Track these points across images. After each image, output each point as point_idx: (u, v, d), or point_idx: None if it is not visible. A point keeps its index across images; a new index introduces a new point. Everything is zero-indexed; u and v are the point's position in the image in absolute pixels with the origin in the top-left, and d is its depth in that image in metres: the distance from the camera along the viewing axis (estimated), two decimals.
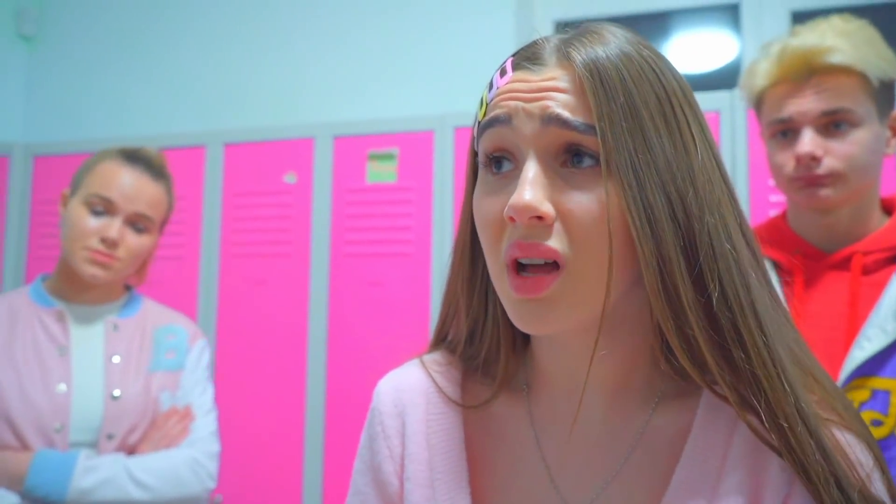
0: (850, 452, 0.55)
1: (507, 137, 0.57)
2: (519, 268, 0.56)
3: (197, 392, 1.41)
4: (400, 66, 2.30)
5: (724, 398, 0.56)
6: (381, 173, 1.94)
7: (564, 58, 0.56)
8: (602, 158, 0.53)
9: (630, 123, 0.54)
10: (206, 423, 1.38)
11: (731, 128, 1.65)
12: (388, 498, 0.66)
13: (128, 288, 1.47)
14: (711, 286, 0.53)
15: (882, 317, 1.05)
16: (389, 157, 1.93)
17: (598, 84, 0.54)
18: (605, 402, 0.62)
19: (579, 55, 0.56)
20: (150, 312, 1.45)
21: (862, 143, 1.10)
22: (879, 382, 1.06)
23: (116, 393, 1.32)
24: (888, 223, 1.14)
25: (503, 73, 0.59)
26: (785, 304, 0.62)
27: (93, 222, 1.33)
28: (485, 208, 0.58)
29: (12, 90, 2.75)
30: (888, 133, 1.14)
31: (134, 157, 1.39)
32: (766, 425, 0.54)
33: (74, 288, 1.38)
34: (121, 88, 2.62)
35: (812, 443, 0.54)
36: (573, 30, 0.60)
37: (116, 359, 1.35)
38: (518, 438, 0.65)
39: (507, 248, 0.55)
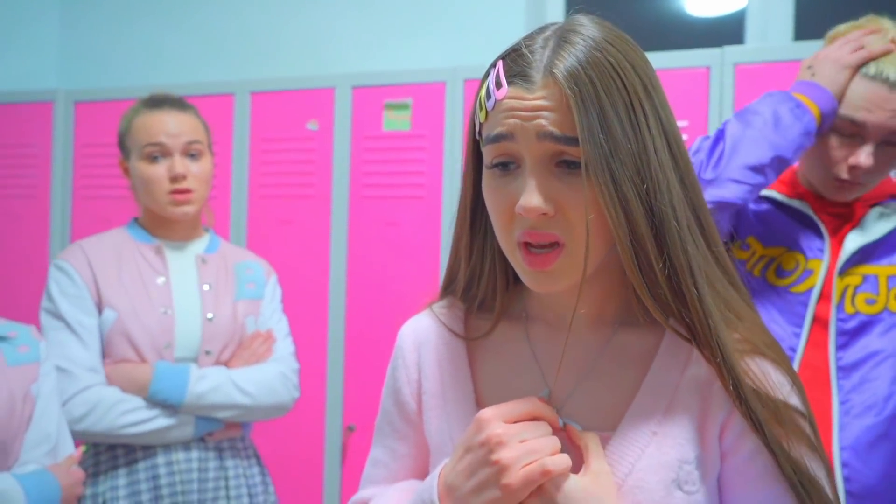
0: (768, 376, 0.72)
1: (511, 148, 0.70)
2: (528, 246, 0.71)
3: (275, 319, 1.61)
4: (415, 21, 2.40)
5: (678, 333, 0.72)
6: (397, 122, 2.08)
7: (549, 76, 0.68)
8: (583, 165, 0.67)
9: (605, 133, 0.66)
10: (286, 345, 1.59)
11: (720, 85, 1.77)
12: (406, 414, 0.86)
13: (206, 230, 1.65)
14: (663, 257, 0.69)
15: (870, 219, 1.27)
16: (404, 106, 2.07)
17: (580, 100, 0.66)
18: (588, 325, 0.79)
19: (560, 73, 0.67)
20: (228, 250, 1.65)
21: None
22: (869, 269, 1.26)
23: (210, 315, 1.52)
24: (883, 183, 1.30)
25: (499, 85, 0.71)
26: (732, 265, 0.78)
27: (158, 169, 1.50)
28: (497, 200, 0.72)
29: (47, 38, 2.88)
30: None
31: (155, 101, 1.55)
32: (701, 351, 0.71)
33: (165, 228, 1.56)
34: (152, 38, 2.75)
35: (729, 366, 0.70)
36: (556, 31, 0.71)
37: (206, 287, 1.54)
38: (517, 354, 0.81)
39: (519, 233, 0.70)
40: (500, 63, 0.72)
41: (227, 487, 1.51)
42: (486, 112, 0.72)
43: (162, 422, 1.43)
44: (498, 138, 0.70)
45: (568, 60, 0.68)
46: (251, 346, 1.55)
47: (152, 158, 1.51)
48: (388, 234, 2.07)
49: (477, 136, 0.76)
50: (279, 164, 2.20)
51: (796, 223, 1.32)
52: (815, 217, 1.30)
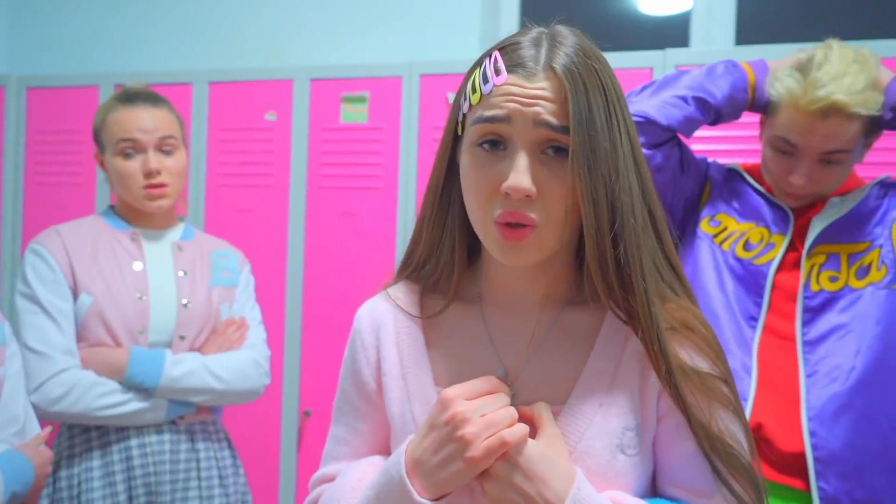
0: (692, 356, 0.80)
1: (504, 130, 0.76)
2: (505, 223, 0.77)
3: (248, 307, 1.65)
4: (373, 15, 2.44)
5: (619, 317, 0.80)
6: (354, 114, 2.13)
7: (549, 69, 0.75)
8: (570, 156, 0.74)
9: (590, 129, 0.74)
10: (258, 332, 1.64)
11: None
12: (366, 394, 0.90)
13: (181, 219, 1.68)
14: (618, 249, 0.76)
15: (830, 205, 1.39)
16: (361, 99, 2.12)
17: (574, 95, 0.74)
18: (539, 305, 0.85)
19: (560, 68, 0.75)
20: (203, 239, 1.68)
21: (845, 170, 1.36)
22: (831, 248, 1.38)
23: (185, 301, 1.54)
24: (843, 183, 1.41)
25: (498, 71, 0.77)
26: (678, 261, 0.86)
27: (132, 165, 1.53)
28: (481, 177, 0.78)
29: None
30: (864, 151, 1.38)
31: (129, 96, 1.57)
32: (639, 335, 0.79)
33: (140, 217, 1.59)
34: (108, 24, 2.72)
35: (663, 351, 0.78)
36: (544, 34, 0.79)
37: (182, 273, 1.57)
38: (471, 333, 0.87)
39: (500, 213, 0.76)
40: (496, 53, 0.78)
41: (198, 469, 1.54)
42: (481, 96, 0.78)
43: (136, 405, 1.46)
44: (493, 119, 0.76)
45: (565, 59, 0.75)
46: (225, 333, 1.58)
47: (126, 154, 1.53)
48: (344, 224, 2.12)
49: (459, 120, 0.82)
50: (237, 154, 2.22)
51: (764, 201, 1.44)
52: (779, 202, 1.42)
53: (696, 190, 1.50)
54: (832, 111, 1.26)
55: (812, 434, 1.30)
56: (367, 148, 2.11)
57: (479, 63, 0.80)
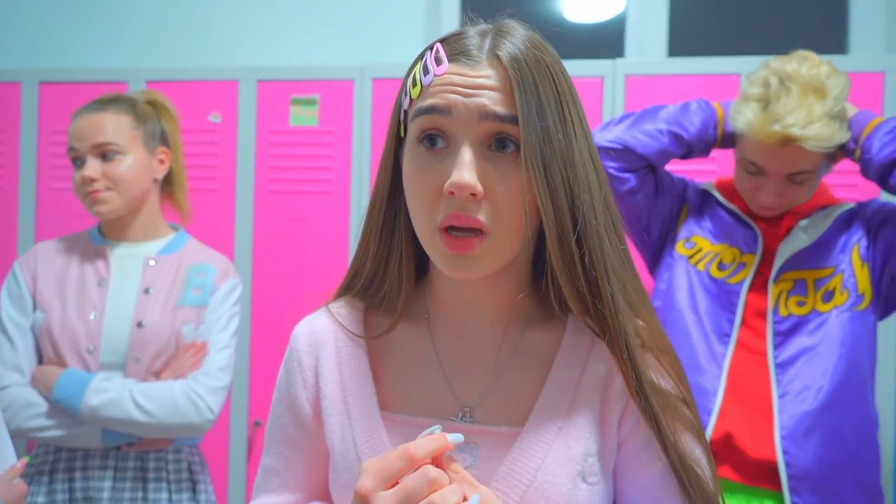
0: (660, 370, 0.75)
1: (445, 124, 0.69)
2: (450, 230, 0.70)
3: (217, 328, 1.50)
4: (322, 15, 2.40)
5: (588, 325, 0.74)
6: (304, 117, 2.09)
7: (494, 57, 0.69)
8: (522, 148, 0.67)
9: (541, 120, 0.68)
10: (217, 359, 1.48)
11: (612, 94, 1.94)
12: (301, 420, 0.82)
13: (176, 228, 1.59)
14: (581, 251, 0.70)
15: (797, 231, 1.47)
16: (311, 102, 2.09)
17: (521, 83, 0.67)
18: (490, 323, 0.79)
19: (505, 56, 0.68)
20: (191, 250, 1.56)
21: (813, 184, 1.44)
22: (798, 274, 1.46)
23: (140, 322, 1.46)
24: (813, 196, 1.49)
25: (438, 61, 0.70)
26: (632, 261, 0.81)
27: (77, 175, 1.49)
28: (421, 181, 0.70)
29: None
30: (832, 165, 1.47)
31: (85, 105, 1.52)
32: (609, 346, 0.73)
33: (114, 229, 1.54)
34: (35, 17, 2.57)
35: (633, 361, 0.73)
36: (491, 27, 0.73)
37: (150, 292, 1.49)
38: (419, 354, 0.79)
39: (443, 216, 0.69)
40: (438, 44, 0.72)
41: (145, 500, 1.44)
42: (421, 88, 0.71)
43: (60, 431, 1.41)
44: (431, 110, 0.69)
45: (511, 48, 0.69)
46: (182, 358, 1.47)
47: (75, 163, 1.51)
48: (295, 229, 2.08)
49: (401, 119, 0.75)
50: None
51: (735, 222, 1.51)
52: (749, 220, 1.50)
53: (673, 210, 1.58)
54: (790, 141, 1.33)
55: (785, 452, 1.38)
56: (319, 151, 2.07)
57: (420, 57, 0.74)
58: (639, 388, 0.72)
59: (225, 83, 2.12)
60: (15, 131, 2.19)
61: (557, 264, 0.69)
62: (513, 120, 0.68)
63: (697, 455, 0.75)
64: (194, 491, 1.49)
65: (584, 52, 1.99)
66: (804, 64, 1.38)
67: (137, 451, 1.45)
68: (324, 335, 0.82)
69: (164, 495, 1.45)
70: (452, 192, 0.67)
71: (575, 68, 1.94)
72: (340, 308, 0.83)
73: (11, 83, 2.20)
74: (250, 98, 2.10)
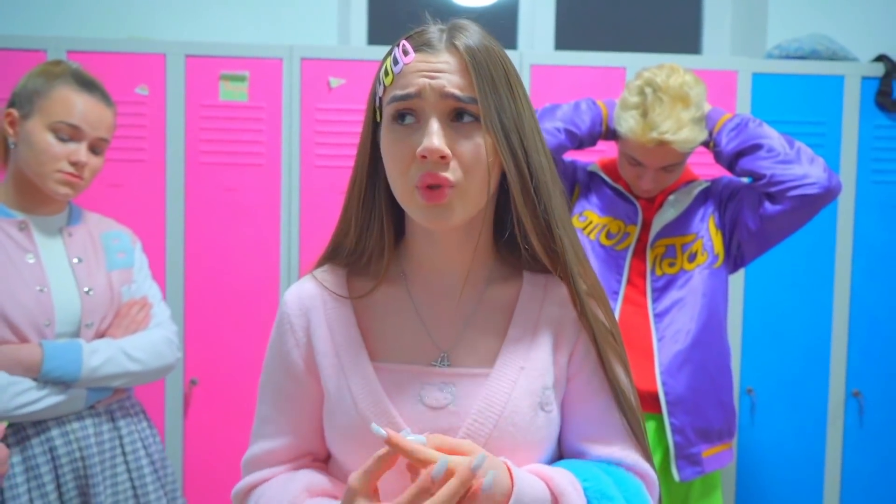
0: (597, 309, 0.91)
1: (415, 103, 0.82)
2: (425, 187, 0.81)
3: (147, 285, 1.65)
4: None
5: (546, 263, 0.87)
6: (234, 92, 2.20)
7: (452, 46, 0.83)
8: (482, 119, 0.81)
9: (494, 95, 0.82)
10: (162, 309, 1.66)
11: None
12: (294, 375, 0.92)
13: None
14: (540, 203, 0.84)
15: (667, 205, 1.78)
16: (241, 78, 2.19)
17: (475, 67, 0.81)
18: (461, 278, 0.91)
19: (461, 45, 0.82)
20: (91, 220, 1.63)
21: (679, 172, 1.76)
22: (668, 241, 1.79)
23: (87, 289, 1.51)
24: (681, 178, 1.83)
25: (406, 52, 0.83)
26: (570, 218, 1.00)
27: (60, 147, 1.48)
28: (397, 149, 0.83)
29: None
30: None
31: (89, 84, 1.54)
32: (562, 279, 0.89)
33: (35, 201, 1.52)
34: None
35: (577, 289, 0.88)
36: (447, 25, 0.86)
37: (76, 260, 1.54)
38: (400, 310, 0.91)
39: (418, 177, 0.81)
40: (403, 40, 0.85)
41: (122, 446, 1.57)
42: (393, 77, 0.84)
43: (53, 399, 1.44)
44: (406, 97, 0.82)
45: (465, 39, 0.83)
46: (129, 314, 1.58)
47: (59, 136, 1.48)
48: (227, 199, 2.20)
49: (377, 106, 0.88)
50: None
51: (619, 198, 1.83)
52: (630, 196, 1.81)
53: (567, 191, 1.89)
54: (665, 144, 1.65)
55: (663, 383, 1.73)
56: (249, 126, 2.19)
57: (389, 53, 0.86)
58: (586, 317, 0.88)
59: (151, 56, 2.18)
60: None
61: (522, 210, 0.83)
62: (469, 99, 0.81)
63: (626, 379, 0.91)
64: (147, 419, 1.66)
65: None
66: (672, 76, 1.68)
67: (105, 405, 1.55)
68: (312, 300, 0.93)
69: (134, 428, 1.60)
70: (425, 157, 0.80)
71: None
72: (325, 274, 0.95)
73: None
74: (178, 72, 2.18)
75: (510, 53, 2.20)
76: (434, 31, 0.85)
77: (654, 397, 1.73)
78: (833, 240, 2.28)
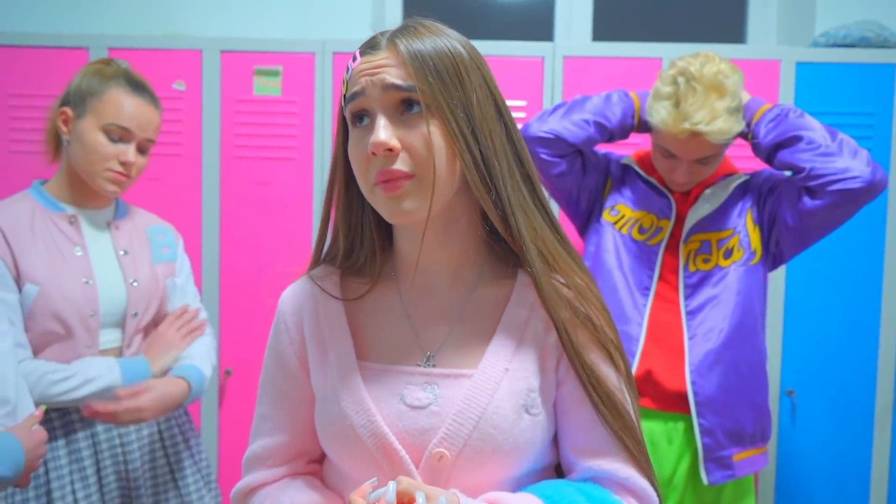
0: (581, 301, 0.89)
1: (363, 103, 0.83)
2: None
3: (191, 291, 1.73)
4: None
5: (512, 247, 0.88)
6: (267, 87, 2.22)
7: (392, 44, 0.84)
8: (421, 105, 0.81)
9: (438, 82, 0.82)
10: (204, 314, 1.75)
11: (552, 73, 2.18)
12: (290, 372, 0.95)
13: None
14: (495, 187, 0.84)
15: (703, 199, 1.73)
16: (275, 73, 2.22)
17: (413, 57, 0.82)
18: (449, 277, 0.92)
19: (401, 42, 0.84)
20: (137, 214, 1.70)
21: (715, 164, 1.70)
22: (704, 236, 1.74)
23: (133, 281, 1.57)
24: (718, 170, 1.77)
25: (354, 59, 0.86)
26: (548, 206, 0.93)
27: (111, 148, 1.53)
28: (356, 152, 0.85)
29: None
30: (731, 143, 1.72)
31: (139, 86, 1.59)
32: (524, 263, 0.87)
33: (84, 196, 1.58)
34: None
35: (538, 277, 0.86)
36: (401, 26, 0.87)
37: (123, 253, 1.59)
38: (390, 310, 0.93)
39: (375, 174, 0.82)
40: (356, 51, 0.88)
41: (160, 432, 1.62)
42: (347, 83, 0.87)
43: (92, 387, 1.47)
44: (354, 96, 0.84)
45: (407, 34, 0.85)
46: (190, 324, 1.66)
47: (111, 136, 1.53)
48: (261, 193, 2.22)
49: (344, 113, 0.89)
50: None
51: (653, 192, 1.78)
52: (664, 190, 1.76)
53: (599, 184, 1.84)
54: (698, 135, 1.59)
55: (693, 383, 1.68)
56: (282, 120, 2.21)
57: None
58: (546, 308, 0.87)
59: (188, 52, 2.21)
60: None
61: (481, 198, 0.84)
62: (410, 87, 0.82)
63: (614, 388, 0.88)
64: (185, 412, 1.72)
65: (511, 34, 2.21)
66: (706, 65, 1.62)
67: None
68: (305, 298, 0.95)
69: (172, 415, 1.65)
70: (374, 153, 0.81)
71: (516, 49, 2.17)
72: (320, 275, 0.97)
73: None
74: (214, 68, 2.21)
75: (544, 45, 2.17)
76: (382, 36, 0.87)
77: (683, 397, 1.69)
78: (883, 235, 2.19)
